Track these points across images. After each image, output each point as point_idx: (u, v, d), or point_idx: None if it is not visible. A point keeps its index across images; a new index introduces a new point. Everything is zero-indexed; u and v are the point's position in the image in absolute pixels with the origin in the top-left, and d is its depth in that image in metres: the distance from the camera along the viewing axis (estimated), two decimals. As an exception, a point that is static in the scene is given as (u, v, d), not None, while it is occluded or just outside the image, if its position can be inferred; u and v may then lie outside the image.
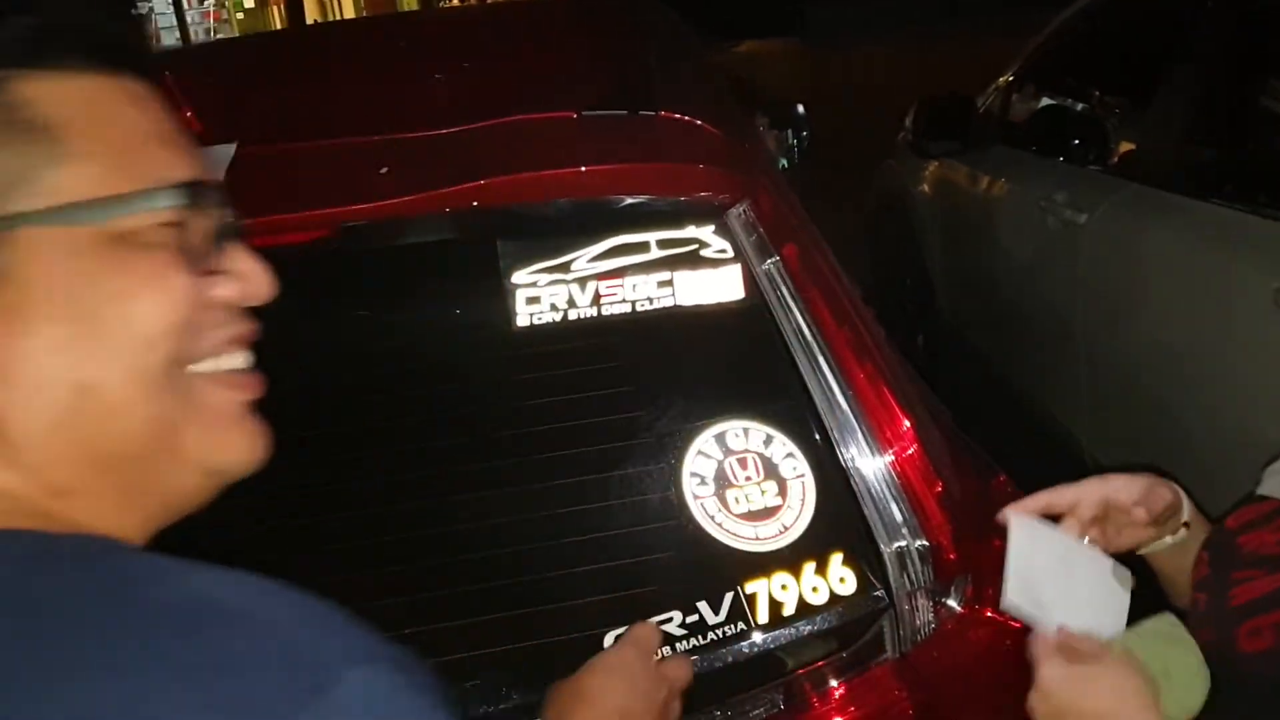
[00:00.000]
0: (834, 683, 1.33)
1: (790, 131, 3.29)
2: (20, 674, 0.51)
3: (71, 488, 0.62)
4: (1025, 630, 1.37)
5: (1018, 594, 1.08)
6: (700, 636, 1.29)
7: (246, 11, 17.70)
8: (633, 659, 0.98)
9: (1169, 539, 1.19)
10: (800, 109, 3.97)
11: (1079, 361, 2.96)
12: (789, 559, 1.33)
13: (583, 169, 1.47)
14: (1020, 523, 1.13)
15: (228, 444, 0.67)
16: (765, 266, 1.44)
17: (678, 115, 1.62)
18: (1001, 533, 1.38)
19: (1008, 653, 1.37)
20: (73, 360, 0.61)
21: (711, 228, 1.45)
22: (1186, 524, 1.20)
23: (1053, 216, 3.07)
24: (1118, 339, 2.79)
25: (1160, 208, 2.67)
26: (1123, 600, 1.12)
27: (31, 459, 0.61)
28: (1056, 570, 1.11)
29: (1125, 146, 3.09)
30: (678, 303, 1.43)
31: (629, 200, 1.46)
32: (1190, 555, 1.18)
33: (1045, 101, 3.51)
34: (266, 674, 0.52)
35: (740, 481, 1.36)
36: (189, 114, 1.64)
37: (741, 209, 1.46)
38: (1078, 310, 2.95)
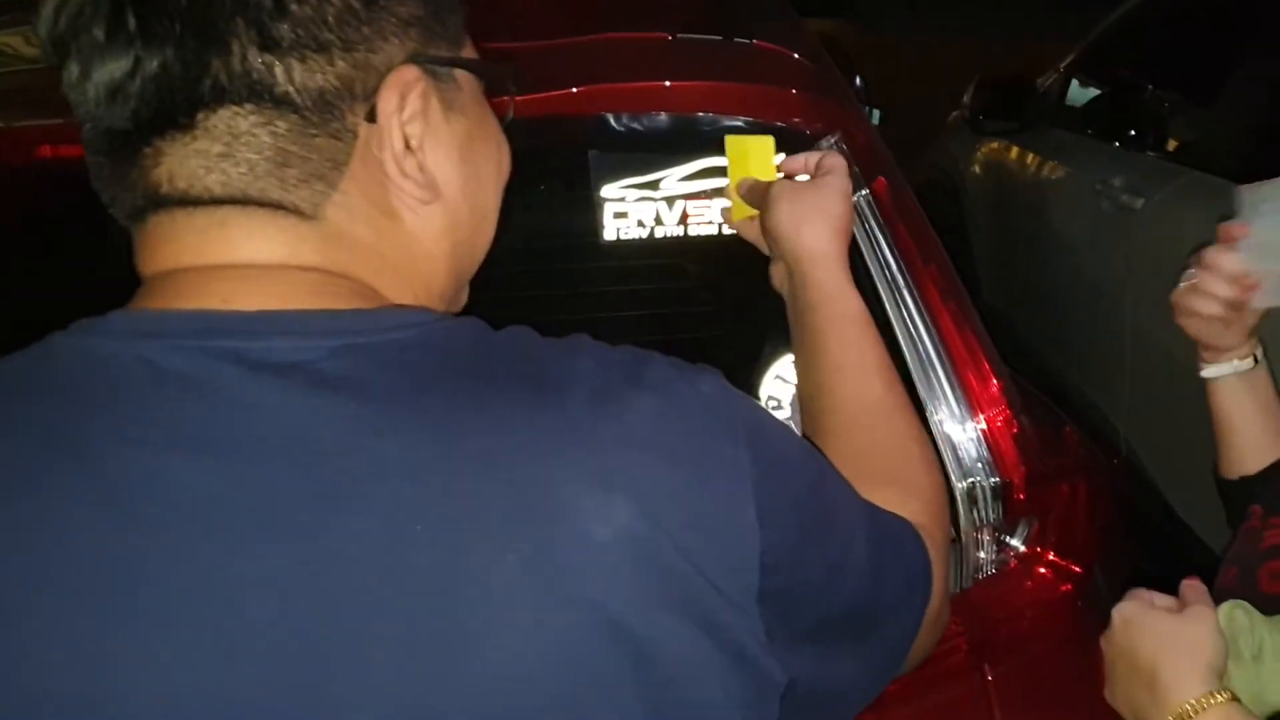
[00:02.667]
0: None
1: (870, 109, 3.28)
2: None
3: (444, 296, 0.70)
4: (1086, 576, 1.38)
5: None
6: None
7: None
8: (845, 173, 0.98)
9: (1236, 362, 1.22)
10: (859, 82, 3.97)
11: (1123, 347, 2.96)
12: (859, 487, 1.33)
13: (676, 83, 1.47)
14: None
15: None
16: (855, 199, 1.44)
17: (772, 45, 1.62)
18: (1068, 476, 1.40)
19: (1067, 597, 1.38)
20: (484, 187, 0.70)
21: (802, 157, 1.45)
22: (1256, 358, 1.22)
23: (1108, 200, 3.06)
24: (1167, 326, 2.77)
25: (1220, 195, 2.64)
26: None
27: (432, 274, 0.68)
28: None
29: (1179, 138, 3.08)
30: (764, 228, 1.43)
31: (721, 122, 1.46)
32: (1252, 398, 1.21)
33: (1098, 91, 3.50)
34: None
35: (816, 407, 1.36)
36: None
37: (833, 140, 1.46)
38: (1127, 295, 2.93)
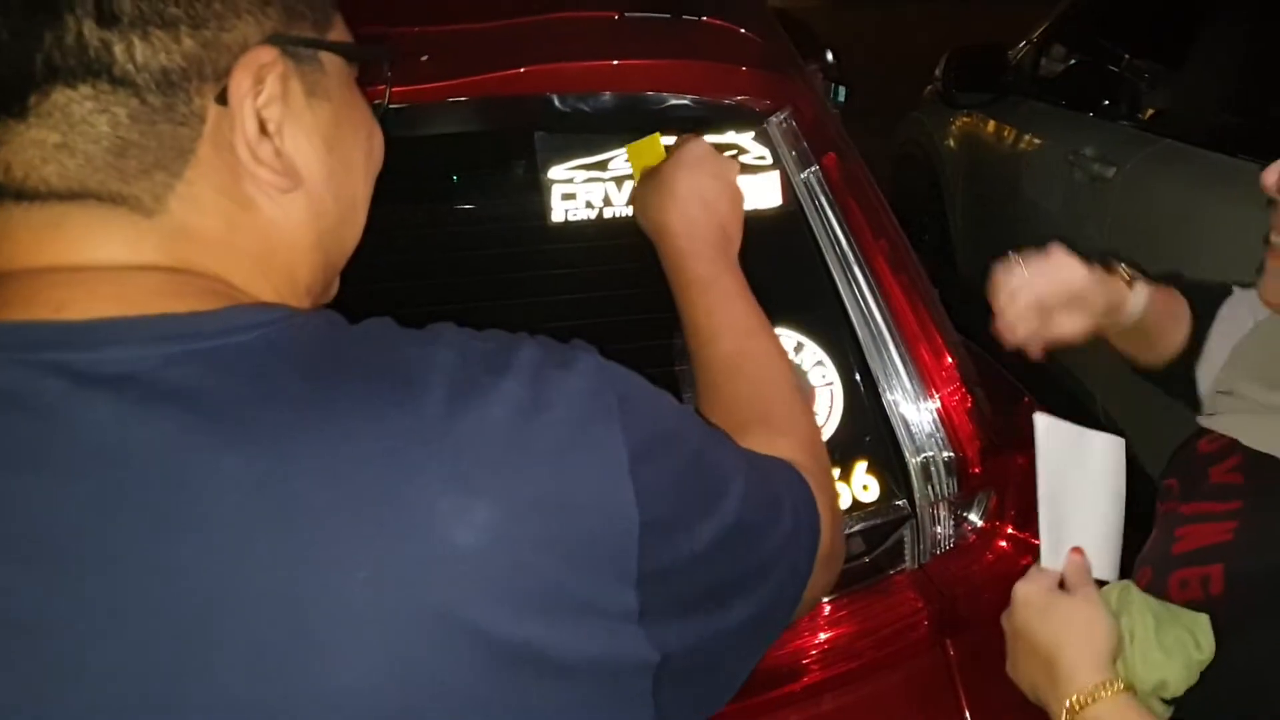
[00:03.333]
0: (851, 590, 1.33)
1: (835, 85, 3.26)
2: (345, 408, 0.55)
3: (311, 290, 0.67)
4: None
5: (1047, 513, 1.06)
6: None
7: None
8: (706, 150, 0.98)
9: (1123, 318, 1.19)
10: (830, 55, 3.94)
11: (1098, 317, 2.95)
12: (813, 465, 1.32)
13: (623, 62, 1.45)
14: (1046, 426, 1.09)
15: None
16: (804, 175, 1.43)
17: (721, 22, 1.60)
18: (1025, 449, 1.38)
19: (1025, 571, 1.37)
20: (351, 176, 0.68)
21: (751, 134, 1.44)
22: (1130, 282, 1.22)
23: (1081, 171, 3.05)
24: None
25: (1192, 163, 2.64)
26: (1117, 544, 1.09)
27: (295, 266, 0.65)
28: (1078, 486, 1.08)
29: (1153, 106, 3.07)
30: (714, 206, 1.42)
31: (668, 101, 1.44)
32: (1147, 316, 1.18)
33: (1073, 61, 3.48)
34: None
35: (768, 386, 1.35)
36: None
37: (782, 117, 1.44)
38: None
